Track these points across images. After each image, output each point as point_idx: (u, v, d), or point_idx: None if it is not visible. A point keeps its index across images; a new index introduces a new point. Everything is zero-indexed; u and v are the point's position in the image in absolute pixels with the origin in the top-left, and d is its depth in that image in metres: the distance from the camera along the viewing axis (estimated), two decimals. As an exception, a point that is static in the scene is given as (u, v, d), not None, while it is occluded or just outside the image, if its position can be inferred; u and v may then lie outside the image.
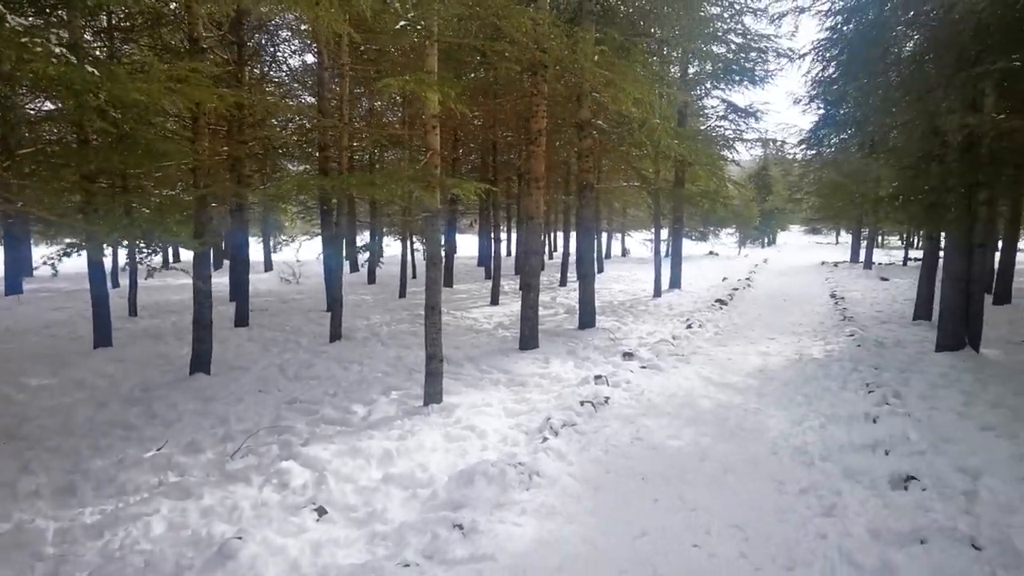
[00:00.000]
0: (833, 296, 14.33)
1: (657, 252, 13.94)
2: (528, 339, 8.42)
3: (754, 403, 5.91)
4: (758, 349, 8.52)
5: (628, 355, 7.82)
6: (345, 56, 8.92)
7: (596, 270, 19.71)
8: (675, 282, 15.60)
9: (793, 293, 15.71)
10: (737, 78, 14.13)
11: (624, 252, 35.34)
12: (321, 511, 3.71)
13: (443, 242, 15.09)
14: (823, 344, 8.69)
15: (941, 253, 8.81)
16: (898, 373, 6.85)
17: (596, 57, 6.50)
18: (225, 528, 3.51)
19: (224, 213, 12.40)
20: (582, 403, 5.58)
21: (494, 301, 12.89)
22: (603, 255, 21.96)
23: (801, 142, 24.23)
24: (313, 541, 3.39)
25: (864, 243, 25.99)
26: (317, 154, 10.91)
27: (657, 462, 4.51)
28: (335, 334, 9.04)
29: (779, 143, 16.03)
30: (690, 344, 8.73)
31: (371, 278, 17.31)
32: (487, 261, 19.40)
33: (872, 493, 3.82)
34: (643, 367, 7.26)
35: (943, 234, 8.78)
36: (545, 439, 4.79)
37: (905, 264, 27.12)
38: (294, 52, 12.35)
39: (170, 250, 25.79)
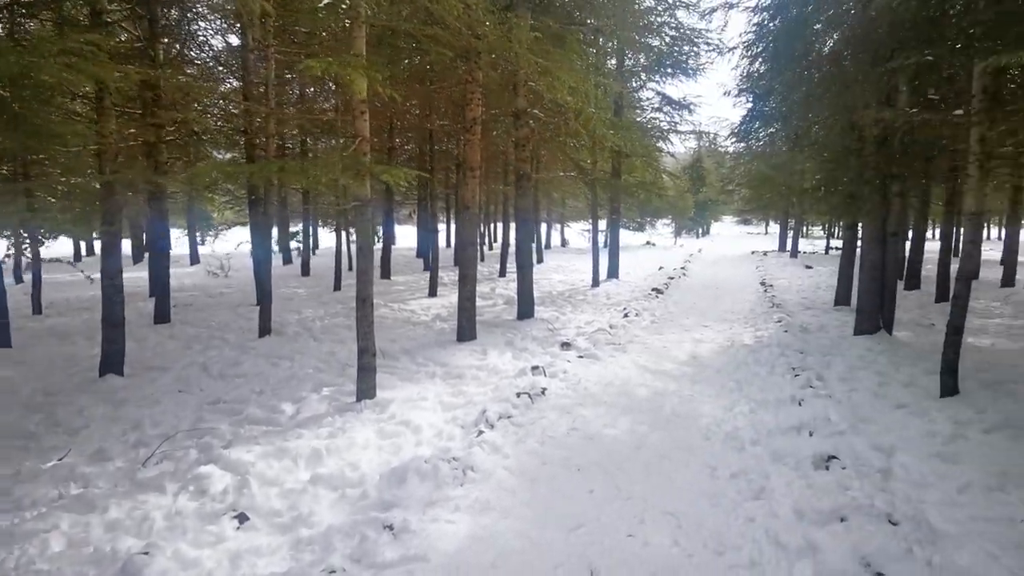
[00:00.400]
0: (763, 284, 14.90)
1: (595, 242, 14.08)
2: (465, 331, 8.30)
3: (688, 390, 6.02)
4: (693, 336, 8.71)
5: (566, 345, 7.84)
6: (271, 38, 8.47)
7: (535, 260, 19.88)
8: (613, 272, 15.82)
9: (726, 282, 16.24)
10: (671, 71, 14.42)
11: (564, 243, 35.69)
12: (242, 518, 3.49)
13: (379, 233, 14.73)
14: (753, 330, 8.98)
15: (859, 243, 9.27)
16: (821, 357, 7.14)
17: (531, 44, 6.41)
18: (132, 542, 3.24)
19: (142, 202, 11.63)
20: (519, 395, 5.52)
21: (432, 293, 12.69)
22: (542, 246, 22.02)
23: (732, 135, 25.08)
24: (232, 551, 3.18)
25: (791, 233, 27.18)
26: (243, 141, 10.39)
27: (593, 452, 4.50)
28: (264, 329, 8.64)
29: (712, 135, 16.49)
30: (627, 333, 8.84)
31: (305, 270, 16.72)
32: (426, 252, 19.12)
33: (797, 474, 3.94)
34: (581, 357, 7.28)
35: (860, 225, 9.25)
36: (481, 432, 4.70)
37: (827, 253, 28.61)
38: (217, 32, 11.63)
39: (83, 243, 24.13)
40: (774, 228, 55.71)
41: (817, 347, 7.64)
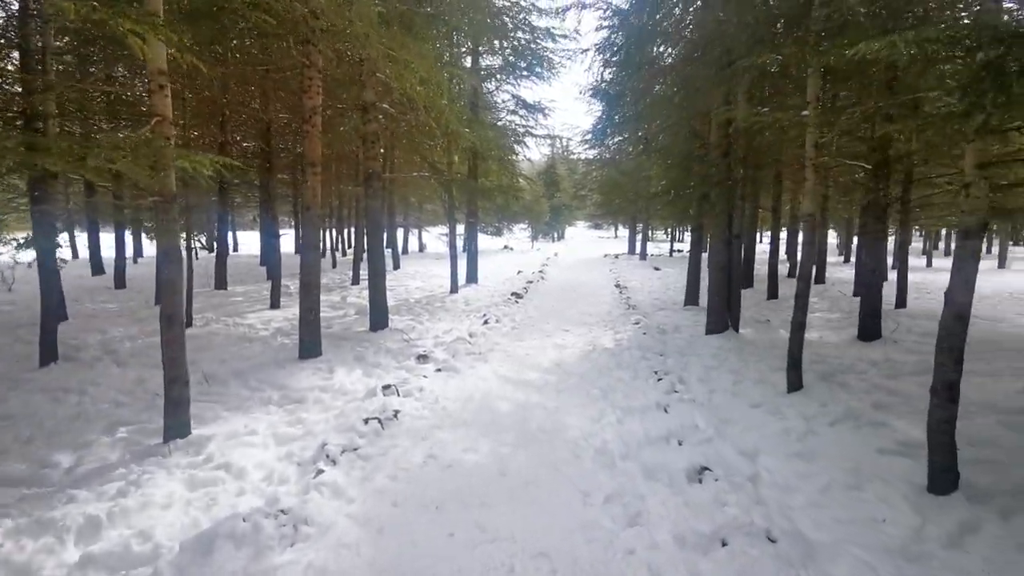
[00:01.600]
0: (617, 286, 15.33)
1: (452, 247, 13.56)
2: (309, 346, 7.34)
3: (553, 401, 5.67)
4: (554, 342, 8.48)
5: (423, 357, 7.20)
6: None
7: (391, 266, 18.86)
8: (472, 277, 15.42)
9: (583, 284, 16.54)
10: (525, 72, 14.39)
11: (422, 248, 34.85)
12: (-47, 639, 2.44)
13: (203, 239, 12.93)
14: (613, 333, 8.97)
15: (708, 245, 9.70)
16: (679, 357, 7.20)
17: (375, 24, 5.71)
18: None
19: None
20: (367, 420, 4.80)
21: (274, 304, 11.36)
22: (399, 251, 21.11)
23: (583, 141, 25.98)
24: None
25: (640, 237, 28.76)
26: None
27: (453, 483, 3.92)
28: (48, 355, 6.99)
29: (566, 140, 16.73)
30: (487, 341, 8.39)
31: (120, 282, 14.33)
32: (270, 260, 17.44)
33: (672, 491, 3.67)
34: (439, 370, 6.69)
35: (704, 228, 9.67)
36: (320, 472, 3.93)
37: (671, 255, 30.75)
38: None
39: None
40: (624, 232, 59.44)
41: (674, 348, 7.73)
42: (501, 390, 6.04)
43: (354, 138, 11.42)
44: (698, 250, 11.30)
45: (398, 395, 5.55)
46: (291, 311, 10.89)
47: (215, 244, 14.40)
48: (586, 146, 27.85)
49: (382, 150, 13.60)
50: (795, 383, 5.68)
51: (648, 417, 5.02)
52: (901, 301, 11.51)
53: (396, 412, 5.08)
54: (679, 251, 34.50)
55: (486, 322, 9.61)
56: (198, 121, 11.35)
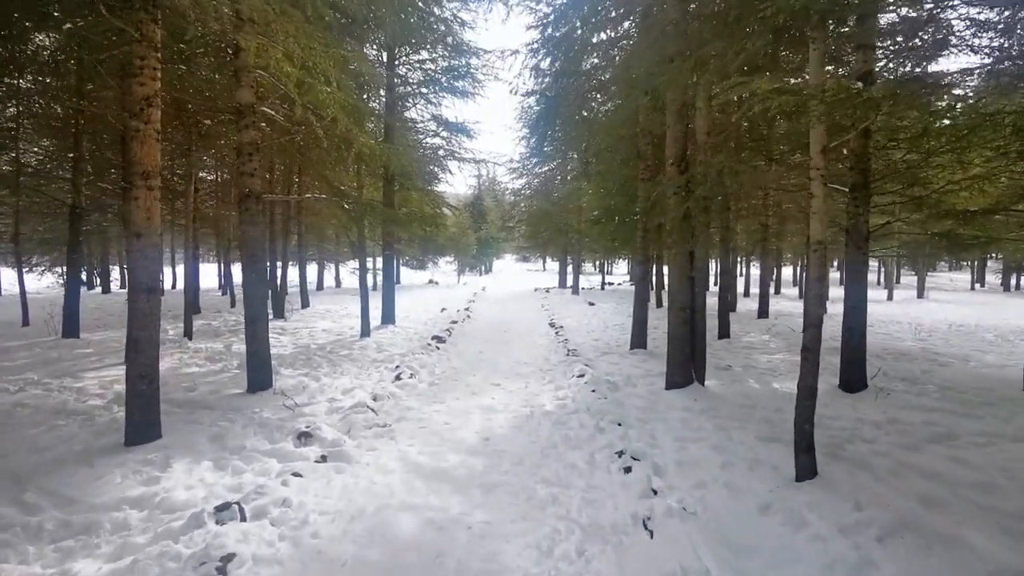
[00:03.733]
0: (552, 326, 13.77)
1: (363, 283, 11.58)
2: (141, 428, 5.23)
3: (481, 512, 3.89)
4: (481, 403, 6.74)
5: (305, 437, 5.25)
6: None
7: (300, 304, 16.23)
8: (388, 317, 13.45)
9: (513, 323, 14.93)
10: (446, 90, 12.95)
11: (338, 283, 32.23)
12: None
13: (82, 270, 10.28)
14: (554, 388, 7.32)
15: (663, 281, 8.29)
16: (642, 426, 5.62)
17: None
18: None
19: None
20: (167, 587, 2.85)
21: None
22: (306, 288, 18.84)
23: (512, 170, 24.80)
24: None
25: (571, 269, 27.67)
26: None
27: None
28: None
29: (492, 166, 15.23)
30: (397, 406, 6.54)
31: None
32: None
33: None
34: (323, 458, 4.79)
35: (665, 263, 8.29)
36: None
37: (603, 288, 29.81)
38: None
39: None
40: (552, 265, 58.70)
41: (634, 412, 6.13)
42: (408, 492, 4.21)
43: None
44: (644, 286, 9.93)
45: (241, 518, 3.60)
46: (162, 364, 8.60)
47: (93, 279, 11.76)
48: (514, 175, 26.72)
49: (279, 172, 11.58)
50: (807, 469, 4.20)
51: (625, 547, 3.33)
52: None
53: (227, 559, 3.14)
54: (610, 284, 33.73)
55: (399, 376, 7.74)
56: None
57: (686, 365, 6.85)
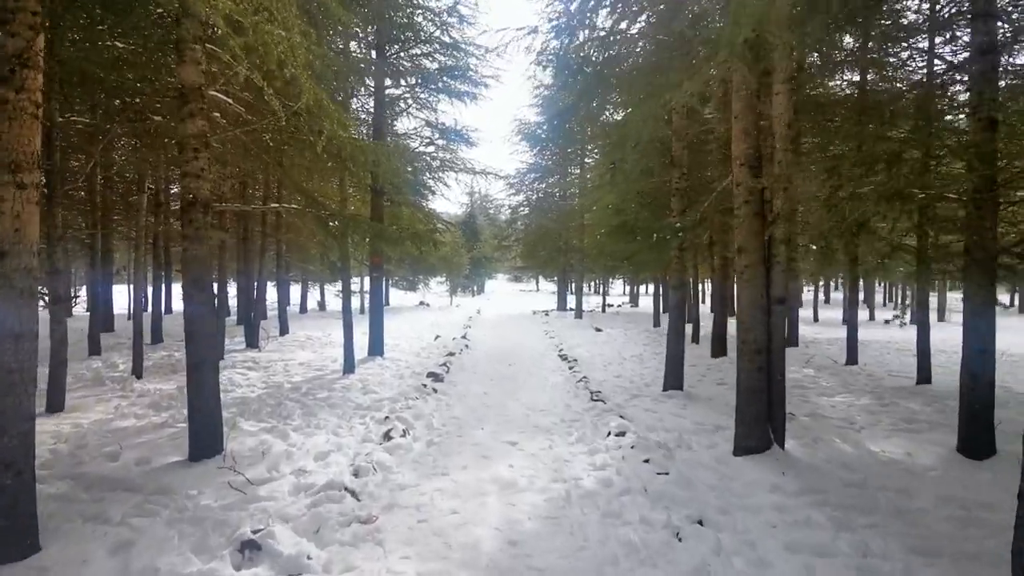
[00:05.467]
0: (564, 358, 12.13)
1: (347, 310, 9.94)
2: (7, 534, 3.56)
3: None
4: (497, 474, 5.12)
5: (251, 548, 3.60)
6: None
7: (278, 331, 14.15)
8: (376, 347, 11.79)
9: (518, 352, 13.33)
10: (444, 86, 11.58)
11: (322, 306, 30.40)
12: None
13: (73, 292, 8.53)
14: (587, 453, 5.69)
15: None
16: (727, 519, 4.02)
17: None
18: None
19: None
20: None
21: (53, 406, 7.24)
22: (286, 312, 17.15)
23: (510, 185, 23.43)
24: None
25: (572, 290, 26.24)
26: None
27: None
28: None
29: (494, 176, 13.71)
30: (386, 483, 4.89)
31: None
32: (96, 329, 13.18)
33: None
34: (272, 592, 3.14)
35: (736, 288, 6.76)
36: None
37: (604, 311, 28.30)
38: None
39: None
40: (545, 285, 57.05)
41: (706, 494, 4.52)
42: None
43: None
44: (680, 314, 8.38)
45: None
46: (82, 417, 6.91)
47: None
48: (511, 191, 25.37)
49: (260, 184, 9.97)
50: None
51: None
52: (925, 375, 9.13)
53: None
54: (610, 305, 32.19)
55: (388, 434, 6.09)
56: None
57: (762, 424, 5.28)
